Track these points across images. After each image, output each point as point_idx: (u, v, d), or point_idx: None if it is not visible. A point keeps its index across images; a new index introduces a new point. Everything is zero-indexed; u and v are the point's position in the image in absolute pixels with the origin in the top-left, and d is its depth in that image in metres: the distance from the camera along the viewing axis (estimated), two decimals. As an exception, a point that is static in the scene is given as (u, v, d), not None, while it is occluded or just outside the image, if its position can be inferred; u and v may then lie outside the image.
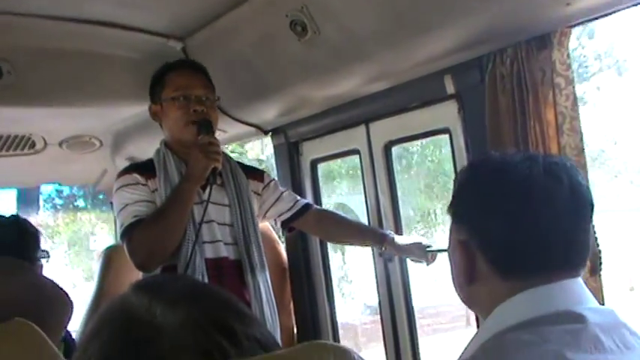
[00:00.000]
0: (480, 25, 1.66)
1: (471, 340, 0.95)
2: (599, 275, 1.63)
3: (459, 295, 1.02)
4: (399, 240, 2.07)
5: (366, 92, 2.12)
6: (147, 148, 2.99)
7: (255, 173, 2.22)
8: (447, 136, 1.96)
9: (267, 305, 2.05)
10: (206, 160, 1.91)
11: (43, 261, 2.27)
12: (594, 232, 1.43)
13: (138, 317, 0.52)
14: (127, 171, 2.08)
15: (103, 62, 2.36)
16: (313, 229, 2.29)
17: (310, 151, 2.47)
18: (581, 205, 0.93)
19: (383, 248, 2.09)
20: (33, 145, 2.87)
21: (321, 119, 2.35)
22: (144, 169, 2.06)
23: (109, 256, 2.95)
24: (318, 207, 2.32)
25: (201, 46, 2.26)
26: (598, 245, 1.61)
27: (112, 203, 3.68)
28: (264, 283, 2.06)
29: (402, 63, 1.91)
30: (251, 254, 2.04)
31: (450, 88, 1.86)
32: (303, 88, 2.18)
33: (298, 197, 2.25)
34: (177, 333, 0.50)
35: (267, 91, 2.28)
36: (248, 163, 2.69)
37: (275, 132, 2.54)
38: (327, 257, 2.52)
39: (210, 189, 1.95)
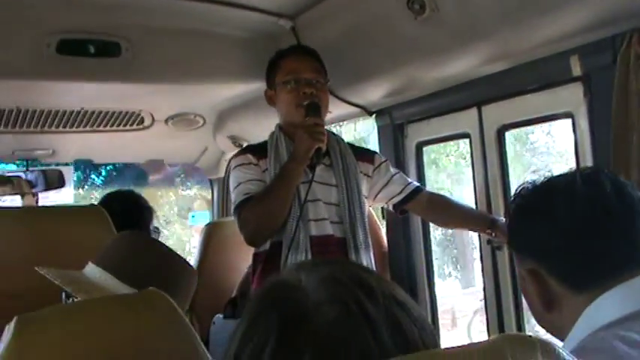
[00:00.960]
0: (615, 1, 1.55)
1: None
2: None
3: (541, 325, 1.02)
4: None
5: (480, 74, 2.03)
6: (248, 127, 3.04)
7: (365, 155, 2.22)
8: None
9: None
10: (310, 141, 1.95)
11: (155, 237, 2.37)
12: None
13: (286, 282, 0.58)
14: (241, 152, 2.17)
15: (214, 41, 2.40)
16: (424, 212, 2.26)
17: (416, 133, 2.41)
18: (630, 203, 0.94)
19: (493, 234, 2.02)
20: (142, 121, 2.99)
21: (429, 101, 2.28)
22: (257, 150, 2.14)
23: (210, 232, 3.04)
24: (429, 190, 2.27)
25: (310, 25, 2.25)
26: None
27: (210, 180, 3.82)
28: (368, 263, 2.07)
29: (523, 43, 1.81)
30: (356, 233, 2.06)
31: (577, 70, 1.74)
32: (414, 68, 2.12)
33: (409, 180, 2.23)
34: (318, 288, 0.55)
35: (375, 72, 2.24)
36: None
37: (380, 113, 2.49)
38: (429, 242, 2.46)
39: (314, 169, 1.99)
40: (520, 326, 2.09)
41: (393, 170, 2.23)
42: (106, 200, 2.40)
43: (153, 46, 2.35)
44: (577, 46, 1.72)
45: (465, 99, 2.15)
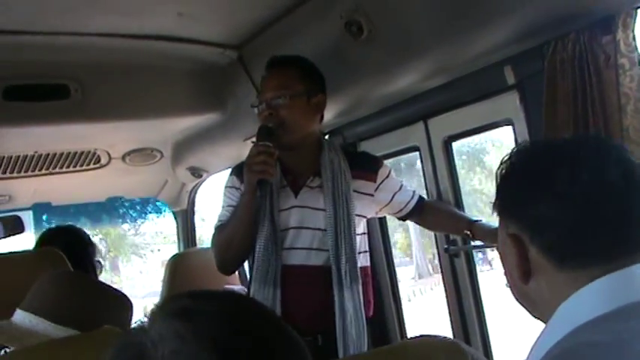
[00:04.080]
0: (540, 12, 1.63)
1: (534, 344, 0.86)
2: None
3: (515, 298, 0.95)
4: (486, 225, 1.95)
5: (424, 88, 2.11)
6: (205, 157, 3.06)
7: (367, 171, 2.03)
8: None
9: (354, 322, 1.87)
10: (248, 175, 1.83)
11: (97, 271, 2.33)
12: None
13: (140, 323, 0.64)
14: (231, 172, 2.06)
15: (163, 75, 2.43)
16: (418, 221, 2.18)
17: (368, 150, 2.46)
18: (634, 180, 0.86)
19: (470, 235, 1.98)
20: (98, 160, 2.99)
21: (378, 118, 2.35)
22: (242, 171, 1.95)
23: (175, 264, 3.02)
24: (426, 199, 2.17)
25: (257, 54, 2.29)
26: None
27: (173, 213, 3.81)
28: (353, 297, 1.88)
29: (460, 56, 1.88)
30: (340, 265, 1.89)
31: (511, 79, 1.83)
32: (360, 88, 2.18)
33: (410, 191, 2.10)
34: (159, 328, 0.61)
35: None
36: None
37: (332, 133, 2.55)
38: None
39: (266, 199, 1.88)
40: (483, 332, 2.14)
41: (396, 184, 2.07)
42: (49, 238, 2.30)
43: (102, 85, 2.36)
44: (509, 56, 1.81)
45: (412, 114, 2.22)
